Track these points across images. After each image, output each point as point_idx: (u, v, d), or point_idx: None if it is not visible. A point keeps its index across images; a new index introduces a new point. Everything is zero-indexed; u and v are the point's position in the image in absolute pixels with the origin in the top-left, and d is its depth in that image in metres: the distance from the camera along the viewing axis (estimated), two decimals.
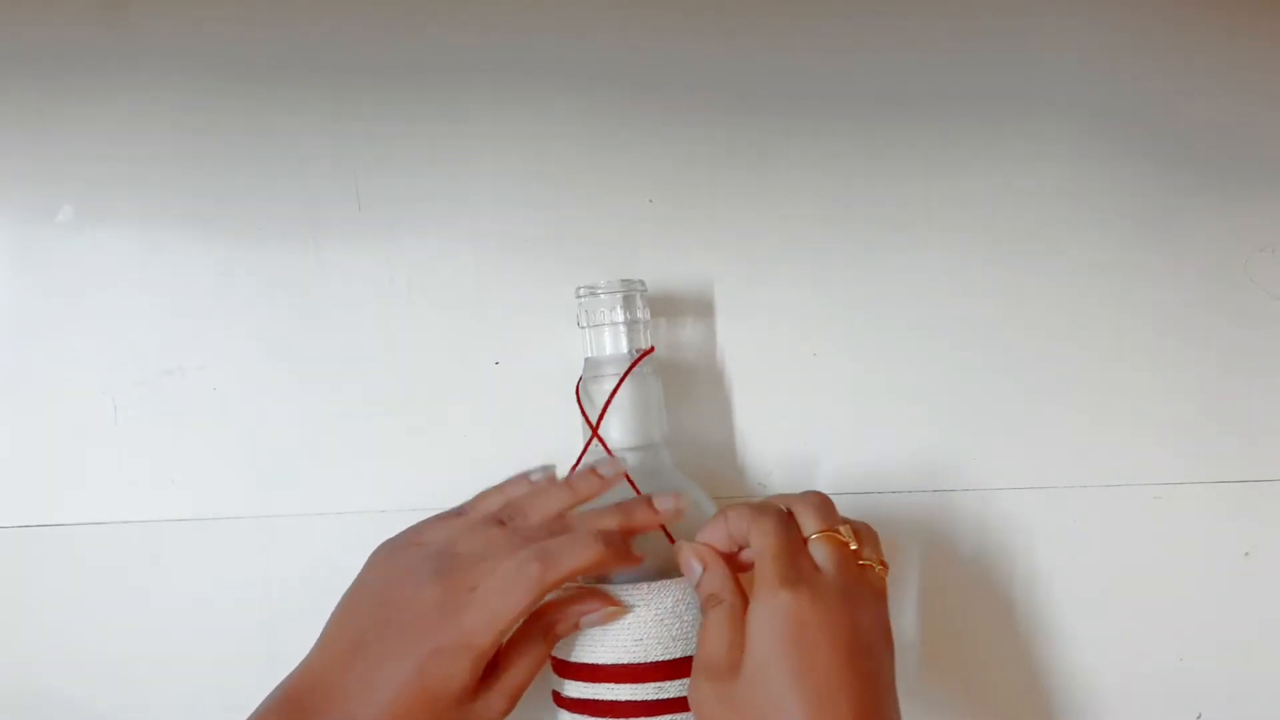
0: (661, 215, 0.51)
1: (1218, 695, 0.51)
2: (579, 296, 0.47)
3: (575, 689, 0.43)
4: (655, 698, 0.42)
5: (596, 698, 0.43)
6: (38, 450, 0.53)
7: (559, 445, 0.49)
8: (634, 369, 0.45)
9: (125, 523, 0.53)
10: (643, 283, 0.47)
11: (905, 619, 0.51)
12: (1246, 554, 0.50)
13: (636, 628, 0.42)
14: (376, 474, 0.52)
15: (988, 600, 0.51)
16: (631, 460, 0.45)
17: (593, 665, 0.43)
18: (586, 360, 0.47)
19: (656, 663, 0.42)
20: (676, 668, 0.42)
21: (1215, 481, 0.50)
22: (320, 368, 0.52)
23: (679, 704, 0.42)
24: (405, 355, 0.52)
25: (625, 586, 0.43)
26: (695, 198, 0.51)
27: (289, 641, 0.53)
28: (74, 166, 0.52)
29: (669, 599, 0.42)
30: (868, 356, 0.51)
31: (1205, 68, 0.50)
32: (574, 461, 0.47)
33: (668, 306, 0.51)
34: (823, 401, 0.51)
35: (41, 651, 0.54)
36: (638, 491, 0.44)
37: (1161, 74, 0.50)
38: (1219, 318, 0.50)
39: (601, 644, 0.42)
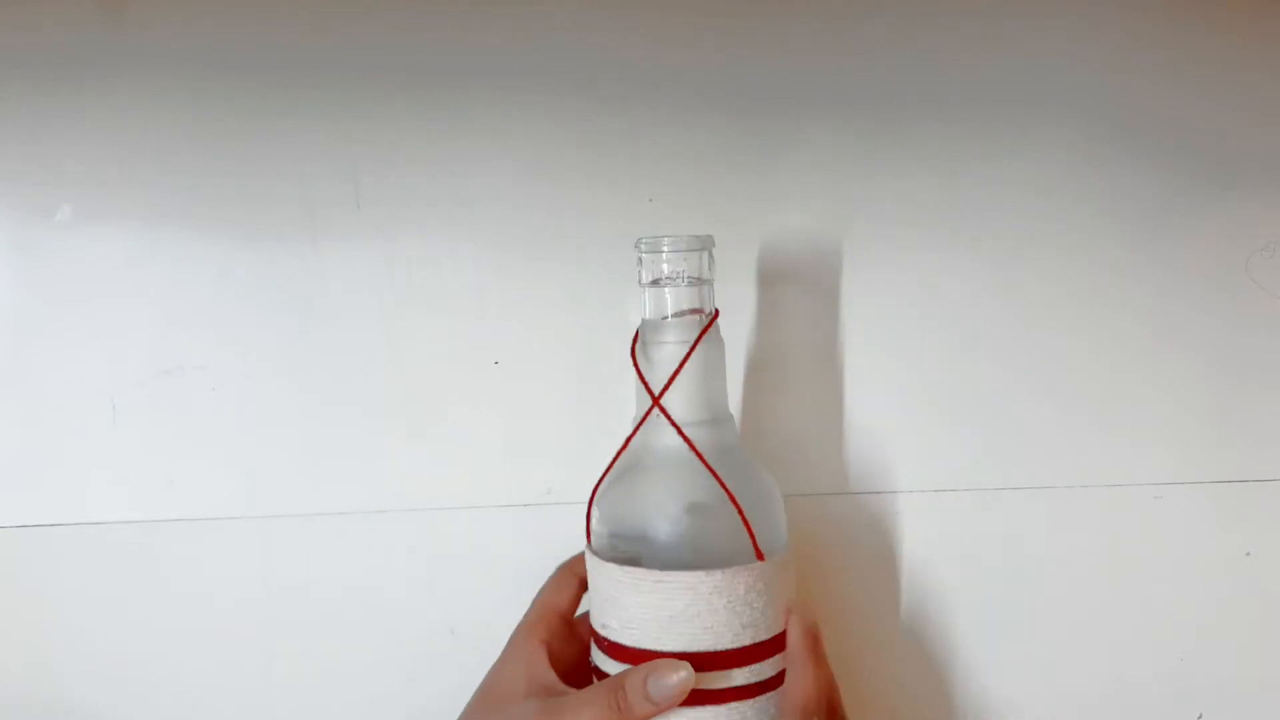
0: (661, 215, 0.51)
1: (1218, 695, 0.50)
2: (640, 251, 0.42)
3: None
4: (722, 686, 0.40)
5: None
6: (38, 450, 0.53)
7: (560, 445, 0.49)
8: (707, 336, 0.41)
9: (125, 523, 0.53)
10: (711, 238, 0.43)
11: (905, 619, 0.51)
12: (1247, 554, 0.50)
13: (707, 615, 0.40)
14: (376, 474, 0.52)
15: (988, 600, 0.51)
16: (697, 435, 0.42)
17: (656, 652, 0.41)
18: (645, 322, 0.43)
19: (727, 651, 0.40)
20: (745, 655, 0.40)
21: (1215, 481, 0.50)
22: (320, 367, 0.52)
23: (744, 691, 0.40)
24: (405, 355, 0.52)
25: (694, 573, 0.40)
26: (695, 198, 0.51)
27: (287, 642, 0.53)
28: (73, 166, 0.52)
29: (740, 586, 0.40)
30: (867, 356, 0.51)
31: (1205, 68, 0.49)
32: (629, 433, 0.43)
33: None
34: (822, 401, 0.51)
35: (41, 651, 0.54)
36: (711, 471, 0.41)
37: (1162, 74, 0.50)
38: (1219, 318, 0.50)
39: (668, 633, 0.40)
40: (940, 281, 0.50)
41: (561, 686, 0.42)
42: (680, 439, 0.41)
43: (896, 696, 0.52)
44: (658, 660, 0.40)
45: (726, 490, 0.41)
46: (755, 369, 0.51)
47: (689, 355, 0.41)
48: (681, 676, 0.40)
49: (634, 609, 0.41)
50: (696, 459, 0.41)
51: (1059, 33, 0.50)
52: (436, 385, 0.52)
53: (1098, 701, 0.51)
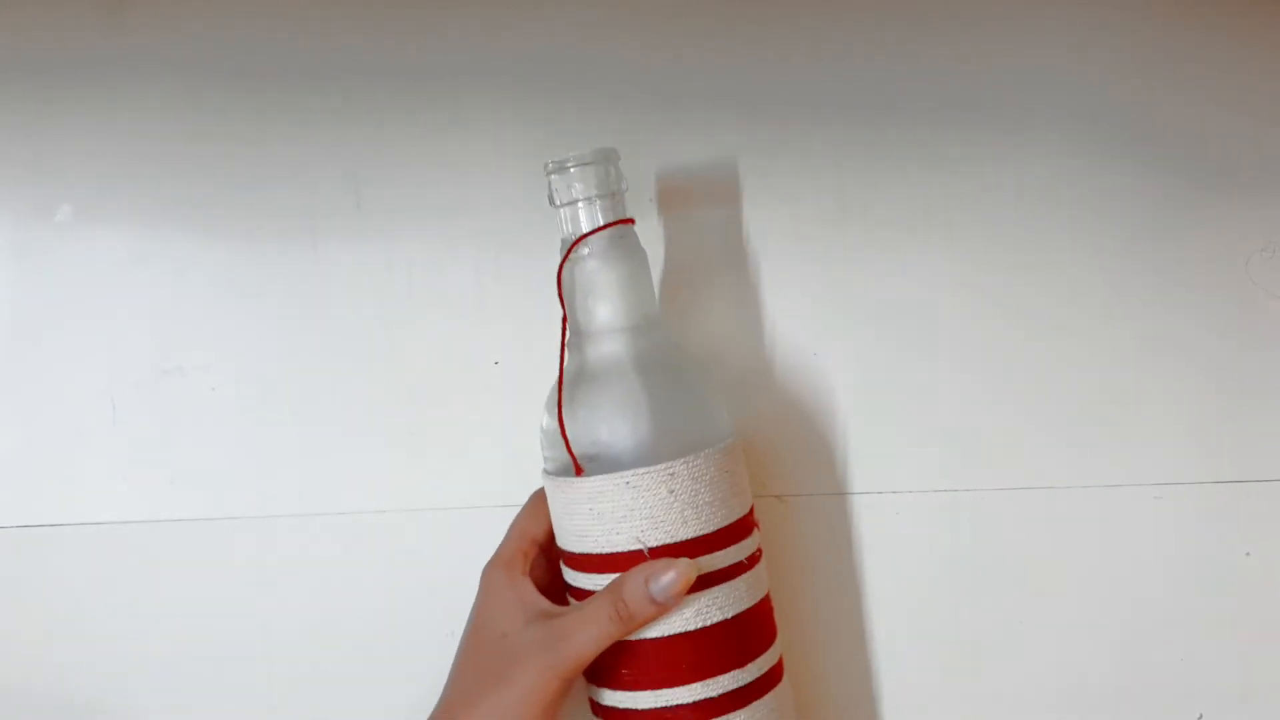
0: (661, 215, 0.51)
1: (1218, 695, 0.50)
2: (548, 173, 0.43)
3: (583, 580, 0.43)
4: None
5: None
6: (38, 450, 0.53)
7: None
8: (617, 242, 0.43)
9: (125, 523, 0.53)
10: (615, 150, 0.44)
11: (904, 620, 0.51)
12: (1247, 554, 0.50)
13: (654, 509, 0.41)
14: (376, 474, 0.52)
15: (987, 600, 0.51)
16: (627, 342, 0.43)
17: (612, 554, 0.42)
18: (563, 242, 0.44)
19: (681, 542, 0.41)
20: (700, 545, 0.41)
21: (1215, 481, 0.50)
22: (320, 368, 0.52)
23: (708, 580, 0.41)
24: (405, 355, 0.52)
25: (620, 473, 0.41)
26: (695, 196, 0.51)
27: (288, 641, 0.53)
28: (74, 166, 0.52)
29: (684, 475, 0.41)
30: (868, 356, 0.51)
31: (1206, 67, 0.49)
32: (559, 351, 0.44)
33: (669, 304, 0.51)
34: (823, 401, 0.51)
35: (41, 651, 0.54)
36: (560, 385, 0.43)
37: (1162, 74, 0.50)
38: (1218, 318, 0.50)
39: (617, 533, 0.42)
40: (940, 281, 0.50)
41: (557, 609, 0.42)
42: (600, 348, 0.43)
43: (893, 697, 0.52)
44: (654, 560, 0.40)
45: (561, 420, 0.42)
46: (755, 366, 0.51)
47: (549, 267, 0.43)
48: (679, 570, 0.40)
49: (581, 517, 0.42)
50: (612, 366, 0.42)
51: (1057, 33, 0.50)
52: (436, 385, 0.52)
53: (1097, 702, 0.51)
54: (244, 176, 0.52)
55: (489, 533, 0.52)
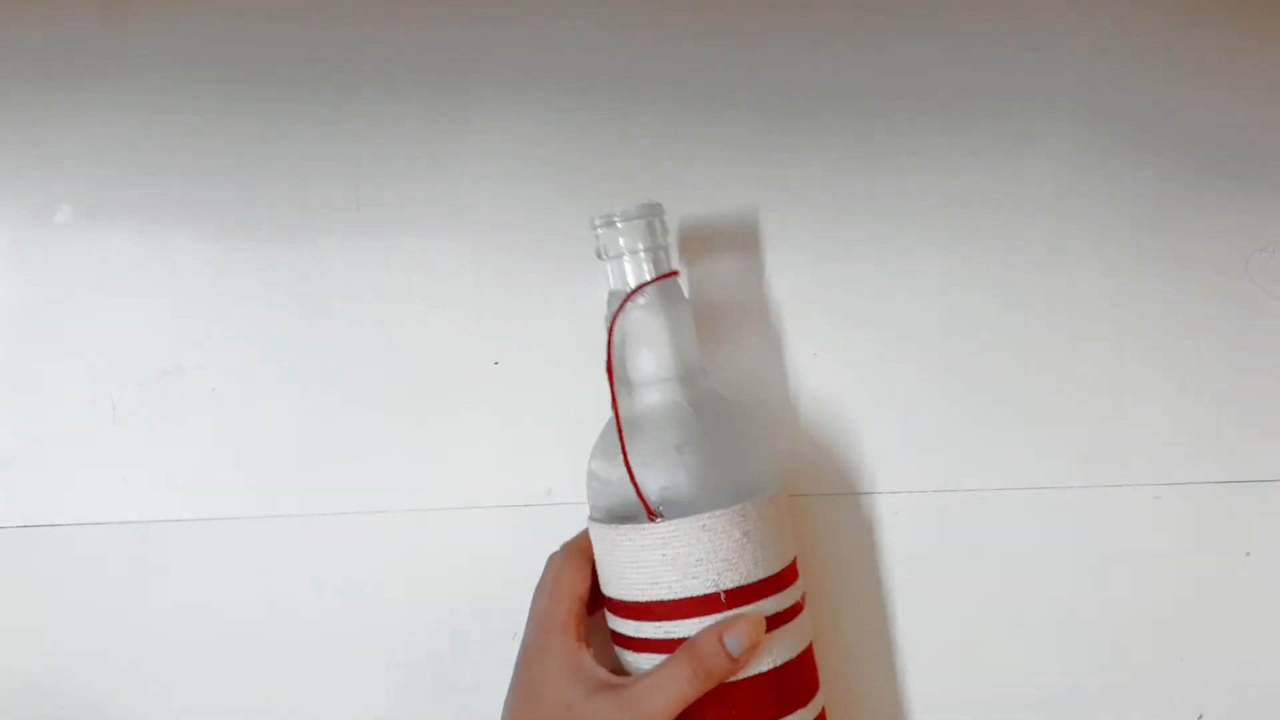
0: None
1: (1218, 695, 0.50)
2: (595, 228, 0.44)
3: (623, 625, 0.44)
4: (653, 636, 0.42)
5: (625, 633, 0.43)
6: (38, 450, 0.53)
7: (560, 445, 0.49)
8: (664, 293, 0.44)
9: (125, 523, 0.53)
10: (661, 206, 0.45)
11: (902, 620, 0.51)
12: (1247, 554, 0.50)
13: (653, 567, 0.41)
14: (376, 474, 0.52)
15: (987, 600, 0.51)
16: (670, 393, 0.43)
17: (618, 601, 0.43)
18: (612, 294, 0.44)
19: (662, 602, 0.41)
20: (679, 608, 0.42)
21: (1215, 481, 0.50)
22: (320, 368, 0.52)
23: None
24: (405, 355, 0.52)
25: (645, 526, 0.42)
26: (696, 197, 0.51)
27: (288, 641, 0.53)
28: (74, 166, 0.52)
29: (743, 522, 0.42)
30: (867, 356, 0.51)
31: (1207, 67, 0.49)
32: (612, 402, 0.43)
33: None
34: (822, 401, 0.51)
35: (41, 651, 0.54)
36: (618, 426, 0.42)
37: (1163, 73, 0.50)
38: (1219, 317, 0.50)
39: (693, 578, 0.42)
40: (939, 280, 0.50)
41: (617, 679, 0.42)
42: (650, 397, 0.43)
43: (894, 697, 0.52)
44: (725, 620, 0.41)
45: (629, 465, 0.42)
46: (754, 366, 0.51)
47: (612, 324, 0.43)
48: (752, 622, 0.40)
49: (652, 564, 0.42)
50: (668, 414, 0.43)
51: (1061, 31, 0.50)
52: (436, 385, 0.52)
53: (1097, 701, 0.51)
54: (244, 176, 0.52)
55: (489, 533, 0.52)
